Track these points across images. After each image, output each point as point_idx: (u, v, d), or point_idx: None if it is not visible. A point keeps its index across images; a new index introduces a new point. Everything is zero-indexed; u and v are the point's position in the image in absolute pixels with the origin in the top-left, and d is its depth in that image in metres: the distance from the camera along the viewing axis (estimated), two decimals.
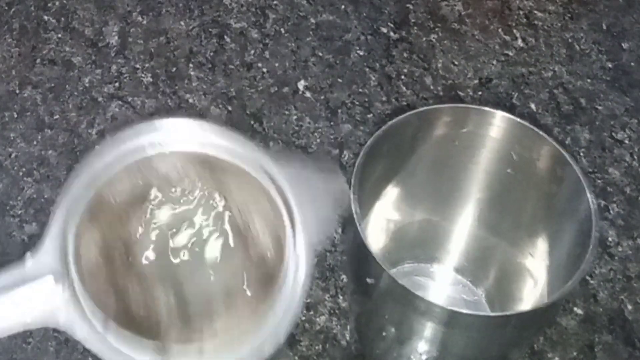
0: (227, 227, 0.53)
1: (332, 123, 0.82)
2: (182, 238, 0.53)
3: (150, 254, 0.52)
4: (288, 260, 0.48)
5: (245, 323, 0.48)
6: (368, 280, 0.57)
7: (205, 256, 0.53)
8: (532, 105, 0.84)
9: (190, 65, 0.86)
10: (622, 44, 0.89)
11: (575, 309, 0.72)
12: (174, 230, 0.53)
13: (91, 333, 0.45)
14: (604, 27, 0.90)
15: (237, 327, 0.48)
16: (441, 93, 0.84)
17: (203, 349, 0.46)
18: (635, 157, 0.81)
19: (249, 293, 0.51)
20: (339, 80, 0.85)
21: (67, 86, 0.83)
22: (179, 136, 0.51)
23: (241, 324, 0.48)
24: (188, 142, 0.51)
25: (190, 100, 0.83)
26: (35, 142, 0.79)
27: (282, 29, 0.88)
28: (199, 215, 0.53)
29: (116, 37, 0.87)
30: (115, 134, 0.50)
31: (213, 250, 0.53)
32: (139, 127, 0.51)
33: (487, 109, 0.62)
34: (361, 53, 0.87)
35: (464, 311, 0.55)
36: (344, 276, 0.72)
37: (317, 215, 0.49)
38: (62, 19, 0.88)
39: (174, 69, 0.85)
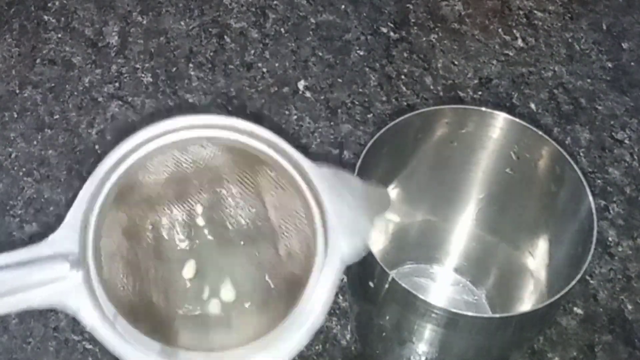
0: (257, 221, 0.52)
1: (332, 123, 0.82)
2: (212, 226, 0.52)
3: (177, 239, 0.52)
4: (315, 268, 0.46)
5: (261, 332, 0.46)
6: (370, 283, 0.57)
7: (232, 248, 0.52)
8: (532, 105, 0.84)
9: (190, 65, 0.86)
10: (622, 44, 0.89)
11: (575, 309, 0.72)
12: (204, 217, 0.52)
13: (99, 321, 0.44)
14: (604, 27, 0.90)
15: (251, 338, 0.46)
16: (441, 93, 0.84)
17: (210, 358, 0.45)
18: (635, 157, 0.81)
19: (273, 291, 0.50)
20: (339, 80, 0.85)
21: (67, 86, 0.83)
22: (217, 126, 0.50)
23: (256, 334, 0.46)
24: (224, 131, 0.49)
25: (191, 100, 0.83)
26: (35, 142, 0.79)
27: (282, 29, 0.88)
28: (231, 206, 0.52)
29: (116, 37, 0.87)
30: (153, 123, 0.49)
31: (240, 242, 0.52)
32: (177, 118, 0.49)
33: (486, 109, 0.62)
34: (361, 53, 0.87)
35: (464, 313, 0.55)
36: (344, 277, 0.72)
37: (352, 226, 0.48)
38: (62, 19, 0.88)
39: (174, 69, 0.85)
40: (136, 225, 0.50)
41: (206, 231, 0.53)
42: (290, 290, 0.48)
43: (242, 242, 0.53)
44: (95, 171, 0.47)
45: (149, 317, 0.48)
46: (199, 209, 0.53)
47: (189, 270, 0.52)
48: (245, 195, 0.52)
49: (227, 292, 0.52)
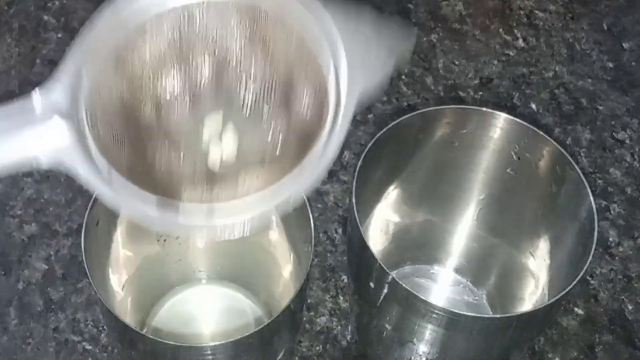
0: (266, 83, 0.49)
1: None
2: (217, 94, 0.49)
3: (181, 105, 0.49)
4: (326, 123, 0.44)
5: (267, 184, 0.44)
6: (370, 284, 0.57)
7: (240, 113, 0.49)
8: (533, 105, 0.84)
9: None
10: (623, 44, 0.88)
11: (576, 309, 0.72)
12: (209, 86, 0.49)
13: (94, 177, 0.41)
14: (605, 27, 0.90)
15: (257, 188, 0.44)
16: (442, 93, 0.84)
17: (214, 208, 0.42)
18: (636, 157, 0.81)
19: (278, 153, 0.47)
20: None
21: None
22: None
23: (262, 186, 0.44)
24: None
25: None
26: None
27: None
28: (238, 73, 0.49)
29: None
30: None
31: (249, 107, 0.49)
32: None
33: (487, 110, 0.62)
34: None
35: (465, 313, 0.55)
36: (344, 277, 0.72)
37: (368, 55, 0.45)
38: (62, 19, 0.88)
39: None
40: (134, 89, 0.47)
41: (211, 97, 0.50)
42: (303, 144, 0.46)
43: (250, 103, 0.49)
44: (88, 26, 0.44)
45: (148, 176, 0.46)
46: (205, 72, 0.49)
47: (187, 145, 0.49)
48: (252, 54, 0.49)
49: (229, 140, 0.49)
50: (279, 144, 0.48)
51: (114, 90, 0.46)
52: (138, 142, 0.47)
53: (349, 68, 0.44)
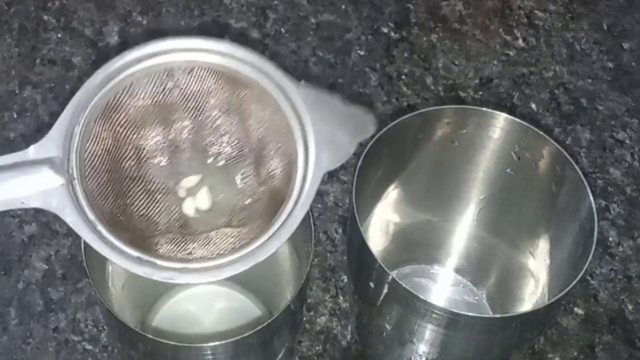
0: (239, 146, 0.54)
1: None
2: (194, 152, 0.54)
3: (160, 161, 0.53)
4: (295, 183, 0.49)
5: (236, 243, 0.49)
6: (370, 284, 0.57)
7: (216, 171, 0.54)
8: (533, 105, 0.84)
9: None
10: (623, 44, 0.88)
11: (575, 309, 0.72)
12: (187, 143, 0.54)
13: (81, 224, 0.46)
14: (605, 27, 0.90)
15: (226, 248, 0.49)
16: (442, 93, 0.84)
17: (187, 268, 0.47)
18: (636, 157, 0.81)
19: (253, 208, 0.52)
20: (339, 80, 0.85)
21: (67, 86, 0.83)
22: (201, 48, 0.51)
23: (231, 244, 0.50)
24: (209, 54, 0.51)
25: None
26: (35, 142, 0.79)
27: (282, 29, 0.88)
28: (215, 132, 0.54)
29: (116, 37, 0.87)
30: (139, 45, 0.51)
31: (223, 166, 0.54)
32: (164, 40, 0.51)
33: (487, 109, 0.62)
34: (362, 53, 0.87)
35: (465, 313, 0.55)
36: (344, 277, 0.72)
37: (333, 138, 0.50)
38: (62, 19, 0.88)
39: None
40: (120, 145, 0.51)
41: (189, 155, 0.54)
42: (270, 208, 0.50)
43: (223, 164, 0.54)
44: (81, 89, 0.49)
45: (129, 230, 0.50)
46: (182, 133, 0.54)
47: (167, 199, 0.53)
48: (229, 120, 0.53)
49: (203, 199, 0.54)
50: (248, 206, 0.53)
51: (101, 145, 0.50)
52: (121, 192, 0.51)
53: (317, 148, 0.49)
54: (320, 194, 0.77)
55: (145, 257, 0.47)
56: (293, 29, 0.89)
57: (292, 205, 0.49)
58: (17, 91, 0.83)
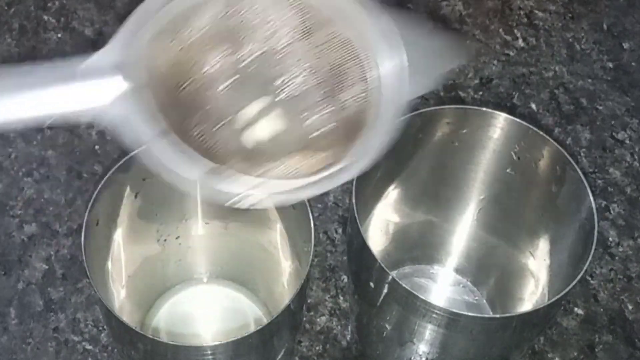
0: (311, 71, 0.50)
1: None
2: (261, 79, 0.50)
3: (224, 85, 0.49)
4: (374, 109, 0.46)
5: (308, 171, 0.46)
6: (370, 284, 0.57)
7: (284, 100, 0.50)
8: (533, 105, 0.84)
9: None
10: (623, 44, 0.88)
11: (575, 309, 0.72)
12: (258, 68, 0.50)
13: (147, 135, 0.42)
14: (605, 27, 0.90)
15: (301, 173, 0.46)
16: (442, 93, 0.84)
17: (267, 183, 0.44)
18: (636, 157, 0.81)
19: (320, 144, 0.49)
20: None
21: None
22: None
23: (304, 171, 0.46)
24: None
25: None
26: (35, 142, 0.79)
27: None
28: (285, 59, 0.50)
29: None
30: None
31: (296, 88, 0.50)
32: None
33: (487, 110, 0.62)
34: None
35: (465, 313, 0.55)
36: (344, 277, 0.72)
37: (418, 65, 0.46)
38: (62, 19, 0.88)
39: None
40: (183, 61, 0.48)
41: (254, 81, 0.51)
42: (345, 139, 0.47)
43: (292, 94, 0.50)
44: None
45: (191, 144, 0.46)
46: (250, 57, 0.50)
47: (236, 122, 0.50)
48: (302, 47, 0.50)
49: (273, 122, 0.50)
50: (321, 134, 0.49)
51: (165, 58, 0.47)
52: (184, 111, 0.47)
53: (402, 74, 0.46)
54: (320, 194, 0.77)
55: (223, 167, 0.43)
56: None
57: (371, 133, 0.46)
58: None
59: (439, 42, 0.48)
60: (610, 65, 0.87)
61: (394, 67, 0.46)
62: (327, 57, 0.49)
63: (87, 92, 0.43)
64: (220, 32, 0.49)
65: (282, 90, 0.50)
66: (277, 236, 0.65)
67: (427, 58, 0.47)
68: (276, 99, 0.50)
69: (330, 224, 0.75)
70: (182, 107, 0.47)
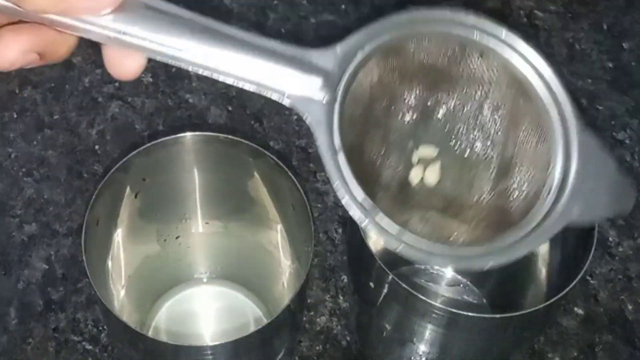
0: (491, 145, 0.49)
1: None
2: (446, 129, 0.49)
3: (410, 119, 0.49)
4: (533, 217, 0.44)
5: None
6: (371, 284, 0.57)
7: (456, 157, 0.49)
8: None
9: None
10: (623, 44, 0.88)
11: (575, 309, 0.72)
12: (443, 116, 0.50)
13: (327, 148, 0.43)
14: (605, 27, 0.90)
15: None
16: None
17: (405, 233, 0.44)
18: (636, 157, 0.81)
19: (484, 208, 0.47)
20: None
21: (67, 86, 0.83)
22: (506, 42, 0.48)
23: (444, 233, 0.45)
24: (508, 49, 0.48)
25: (191, 100, 0.83)
26: (35, 142, 0.79)
27: (282, 29, 0.88)
28: (474, 121, 0.49)
29: None
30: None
31: (465, 156, 0.49)
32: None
33: None
34: None
35: (465, 313, 0.55)
36: (344, 276, 0.72)
37: (591, 196, 0.44)
38: None
39: (174, 69, 0.85)
40: (382, 86, 0.48)
41: (440, 128, 0.50)
42: (492, 224, 0.46)
43: (466, 154, 0.49)
44: (382, 19, 0.46)
45: (358, 168, 0.46)
46: (443, 105, 0.50)
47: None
48: (494, 120, 0.49)
49: (433, 174, 0.49)
50: (471, 206, 0.48)
51: (367, 79, 0.47)
52: (362, 131, 0.48)
53: (572, 196, 0.44)
54: (320, 194, 0.77)
55: (370, 203, 0.44)
56: (293, 29, 0.88)
57: (526, 237, 0.44)
58: (17, 91, 0.83)
59: (620, 180, 0.46)
60: (610, 65, 0.87)
61: (568, 185, 0.44)
62: (509, 142, 0.48)
63: (295, 82, 0.44)
64: (428, 72, 0.48)
65: (454, 147, 0.50)
66: (277, 236, 0.65)
67: (604, 192, 0.45)
68: (443, 152, 0.50)
69: (330, 224, 0.75)
70: (365, 124, 0.48)
